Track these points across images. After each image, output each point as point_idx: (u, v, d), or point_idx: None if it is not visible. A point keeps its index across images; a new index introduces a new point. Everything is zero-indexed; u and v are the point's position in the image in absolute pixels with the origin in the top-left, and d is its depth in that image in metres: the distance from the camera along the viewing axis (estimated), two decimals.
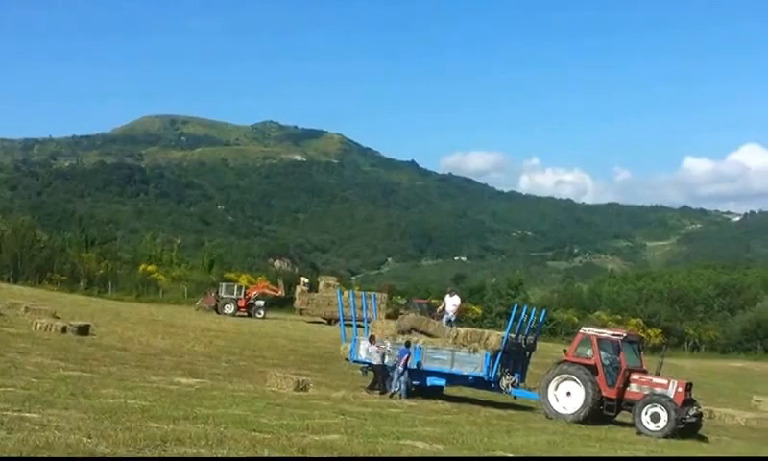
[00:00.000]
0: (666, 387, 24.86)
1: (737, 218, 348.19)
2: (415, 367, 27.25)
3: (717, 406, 34.93)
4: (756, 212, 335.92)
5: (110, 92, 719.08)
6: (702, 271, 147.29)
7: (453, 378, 27.54)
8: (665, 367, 28.14)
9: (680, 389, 24.70)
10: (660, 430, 23.81)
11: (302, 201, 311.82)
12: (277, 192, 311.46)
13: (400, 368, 26.31)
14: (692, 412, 24.79)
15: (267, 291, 71.06)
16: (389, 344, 27.54)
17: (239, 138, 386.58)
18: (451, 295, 34.10)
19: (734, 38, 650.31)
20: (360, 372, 28.56)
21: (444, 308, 32.43)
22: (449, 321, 33.05)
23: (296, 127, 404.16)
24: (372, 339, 27.70)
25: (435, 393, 27.84)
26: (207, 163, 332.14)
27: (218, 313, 63.51)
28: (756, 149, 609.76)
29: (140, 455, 11.63)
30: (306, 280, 72.51)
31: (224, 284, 69.12)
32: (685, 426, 24.33)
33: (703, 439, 24.92)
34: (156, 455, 11.69)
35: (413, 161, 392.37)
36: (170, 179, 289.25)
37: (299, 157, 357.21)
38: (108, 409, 15.84)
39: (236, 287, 68.28)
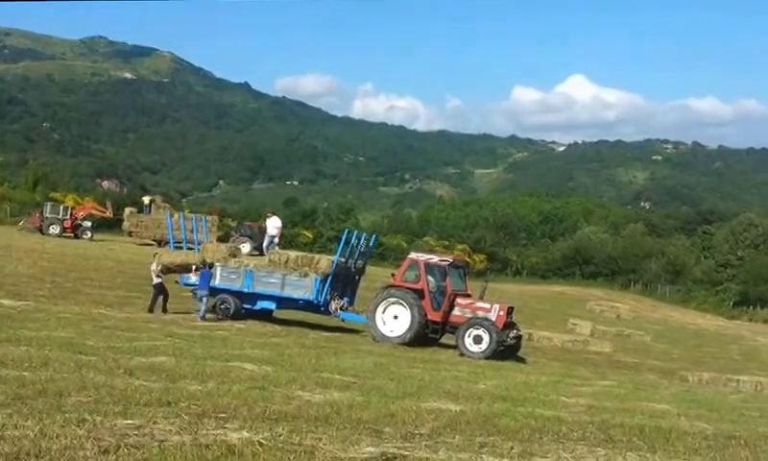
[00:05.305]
0: (489, 311, 25.76)
1: (562, 148, 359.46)
2: (246, 290, 27.43)
3: (536, 329, 36.56)
4: (580, 143, 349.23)
5: None
6: (526, 199, 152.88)
7: (284, 302, 27.77)
8: (489, 291, 29.21)
9: (501, 313, 25.66)
10: (482, 352, 24.70)
11: (132, 120, 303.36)
12: (106, 110, 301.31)
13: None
14: (512, 335, 25.87)
15: (94, 212, 69.16)
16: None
17: (65, 53, 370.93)
18: (270, 217, 34.62)
19: None
20: (192, 295, 28.41)
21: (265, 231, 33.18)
22: (272, 243, 33.61)
23: (125, 43, 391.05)
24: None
25: (264, 316, 28.03)
26: (31, 78, 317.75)
27: (43, 234, 61.48)
28: (582, 81, 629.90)
29: None
30: (150, 199, 70.49)
31: (49, 204, 66.78)
32: (506, 349, 25.36)
33: (521, 360, 26.07)
34: None
35: (246, 83, 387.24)
36: None
37: (128, 75, 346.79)
38: None
39: (62, 208, 66.10)
